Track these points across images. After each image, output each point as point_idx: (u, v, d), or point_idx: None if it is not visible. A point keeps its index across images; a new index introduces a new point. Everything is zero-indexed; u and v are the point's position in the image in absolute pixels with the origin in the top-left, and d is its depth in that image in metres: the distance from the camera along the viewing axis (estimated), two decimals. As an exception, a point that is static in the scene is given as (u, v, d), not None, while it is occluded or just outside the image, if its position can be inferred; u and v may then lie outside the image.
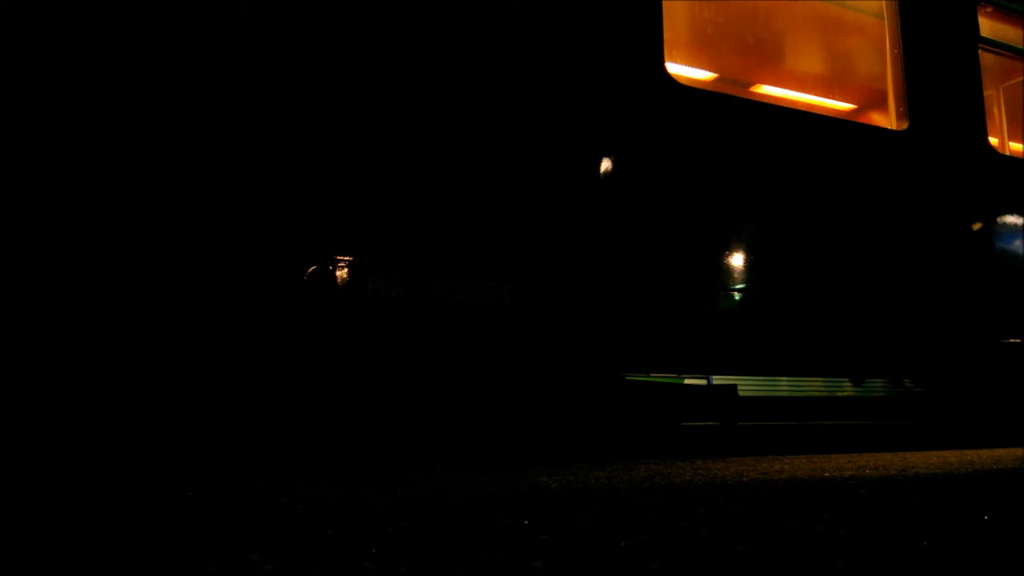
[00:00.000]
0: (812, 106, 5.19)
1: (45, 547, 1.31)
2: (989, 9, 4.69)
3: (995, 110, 5.91)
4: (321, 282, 2.68)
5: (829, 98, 5.23)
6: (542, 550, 1.32)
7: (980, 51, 4.49)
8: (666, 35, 3.52)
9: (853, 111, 5.28)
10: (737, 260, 3.55)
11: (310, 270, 2.68)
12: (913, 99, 4.15)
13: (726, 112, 3.65)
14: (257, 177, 2.68)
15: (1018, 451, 3.93)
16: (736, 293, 3.52)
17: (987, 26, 4.63)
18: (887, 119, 4.26)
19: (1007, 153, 5.66)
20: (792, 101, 5.16)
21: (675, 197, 3.42)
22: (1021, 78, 5.40)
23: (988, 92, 5.32)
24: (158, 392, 2.62)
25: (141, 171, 2.54)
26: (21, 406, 2.44)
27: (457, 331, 2.91)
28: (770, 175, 3.69)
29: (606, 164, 3.26)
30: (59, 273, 2.42)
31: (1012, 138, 5.92)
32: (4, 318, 2.37)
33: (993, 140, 4.81)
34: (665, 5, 3.55)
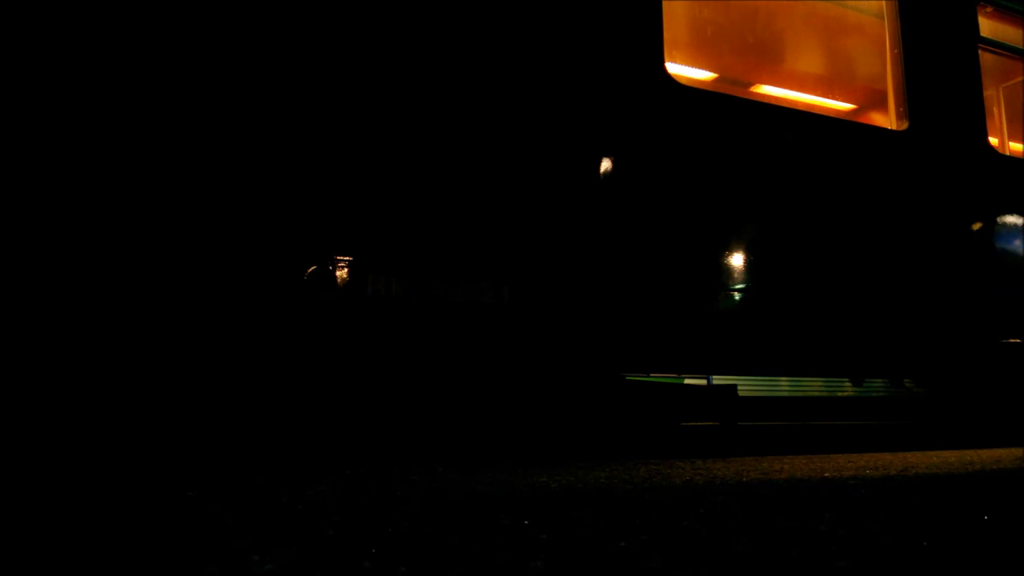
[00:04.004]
0: (812, 106, 5.19)
1: (45, 547, 1.30)
2: (989, 9, 4.69)
3: (995, 110, 5.91)
4: (321, 282, 2.68)
5: (829, 98, 5.23)
6: (542, 550, 1.32)
7: (980, 51, 4.49)
8: (666, 35, 3.52)
9: (853, 111, 5.28)
10: (737, 260, 3.55)
11: (310, 270, 2.68)
12: (913, 99, 4.15)
13: (726, 112, 3.65)
14: (258, 178, 2.68)
15: (1018, 451, 3.93)
16: (736, 293, 3.52)
17: (987, 26, 4.63)
18: (887, 119, 4.26)
19: (1007, 153, 5.66)
20: (792, 101, 5.16)
21: (675, 197, 3.42)
22: (1021, 78, 5.40)
23: (988, 92, 5.32)
24: (159, 392, 2.62)
25: (142, 172, 2.54)
26: (22, 405, 2.43)
27: (457, 331, 2.91)
28: (770, 175, 3.69)
29: (606, 164, 3.26)
30: (60, 273, 2.42)
31: (1012, 138, 5.92)
32: (5, 318, 2.37)
33: (993, 140, 4.81)
34: (665, 5, 3.55)
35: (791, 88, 5.21)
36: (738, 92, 5.09)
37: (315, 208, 2.74)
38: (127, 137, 2.54)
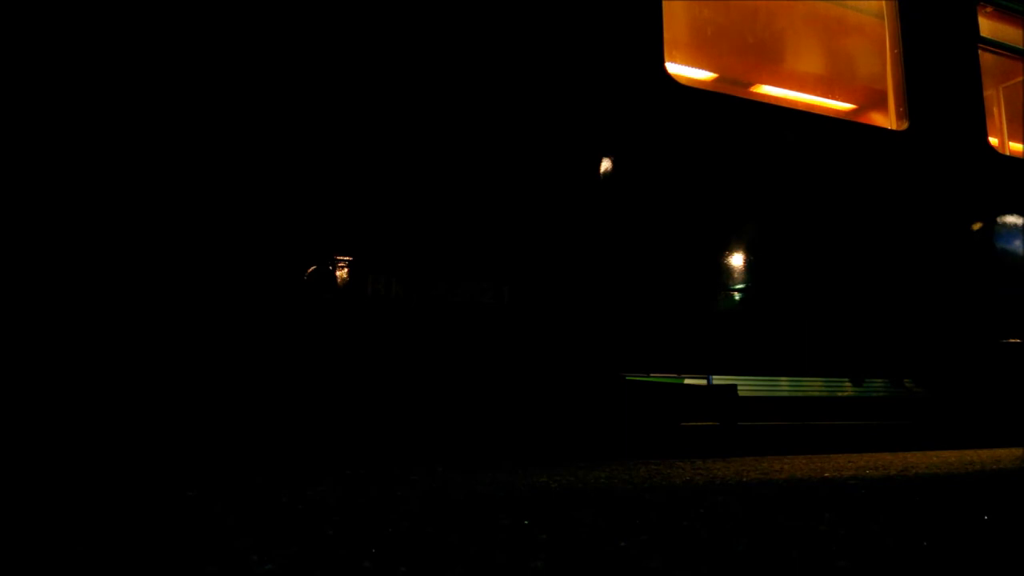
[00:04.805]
0: (812, 106, 5.19)
1: (45, 547, 1.30)
2: (989, 9, 4.69)
3: (995, 110, 5.91)
4: (321, 282, 2.68)
5: (829, 98, 5.23)
6: (542, 550, 1.32)
7: (980, 51, 4.49)
8: (666, 35, 3.52)
9: (853, 111, 5.28)
10: (737, 260, 3.55)
11: (310, 270, 2.68)
12: (913, 99, 4.15)
13: (726, 112, 3.65)
14: (258, 179, 2.68)
15: (1018, 451, 3.93)
16: (736, 293, 3.52)
17: (987, 26, 4.63)
18: (887, 119, 4.26)
19: (1007, 153, 5.66)
20: (792, 101, 5.16)
21: (675, 197, 3.42)
22: (1021, 78, 5.41)
23: (988, 92, 5.32)
24: (159, 392, 2.62)
25: (141, 172, 2.54)
26: (22, 405, 2.43)
27: (457, 331, 2.91)
28: (770, 175, 3.69)
29: (606, 164, 3.26)
30: (60, 273, 2.42)
31: (1012, 138, 5.92)
32: (5, 318, 2.37)
33: (993, 140, 4.81)
34: (665, 5, 3.56)
35: (791, 88, 5.21)
36: (738, 92, 5.09)
37: (315, 208, 2.74)
38: (128, 138, 2.54)
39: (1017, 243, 4.42)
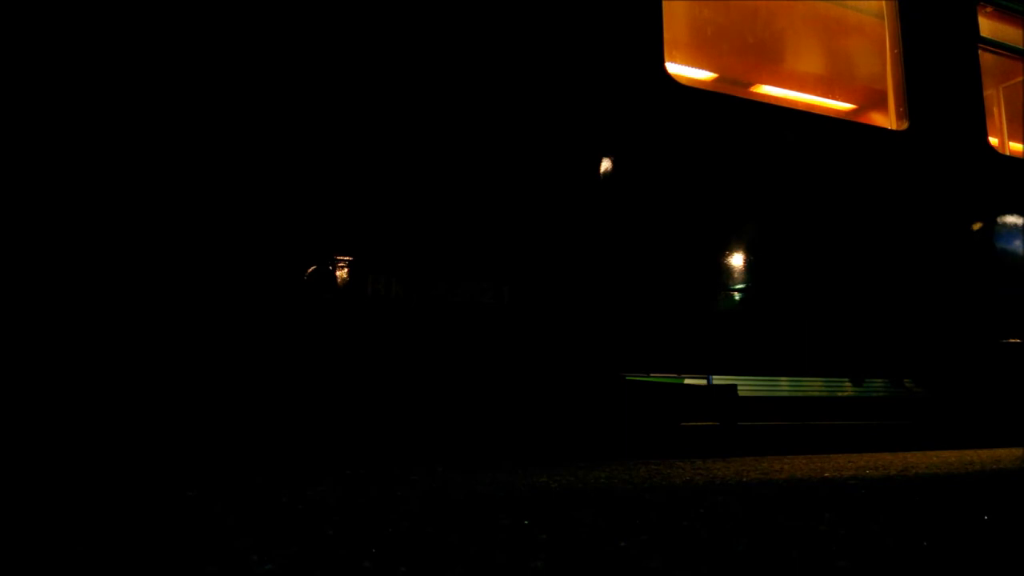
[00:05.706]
0: (812, 106, 5.19)
1: (45, 547, 1.30)
2: (989, 9, 4.70)
3: (995, 110, 5.92)
4: (321, 282, 2.68)
5: (829, 98, 5.23)
6: (542, 550, 1.32)
7: (980, 51, 4.49)
8: (666, 35, 3.52)
9: (853, 111, 5.28)
10: (737, 260, 3.55)
11: (310, 270, 2.68)
12: (913, 99, 4.15)
13: (726, 112, 3.65)
14: (258, 179, 2.68)
15: (1018, 451, 3.93)
16: (736, 293, 3.52)
17: (987, 26, 4.63)
18: (887, 119, 4.26)
19: (1007, 153, 5.66)
20: (792, 101, 5.16)
21: (675, 197, 3.42)
22: (1021, 78, 5.41)
23: (988, 92, 5.32)
24: (159, 392, 2.62)
25: (142, 173, 2.54)
26: (21, 405, 2.43)
27: (457, 331, 2.91)
28: (770, 175, 3.69)
29: (606, 164, 3.26)
30: (59, 273, 2.42)
31: (1012, 138, 5.92)
32: (4, 318, 2.37)
33: (993, 140, 4.81)
34: (665, 5, 3.56)
35: (791, 88, 5.21)
36: (738, 92, 5.09)
37: (315, 208, 2.74)
38: (127, 138, 2.54)
39: (1017, 243, 4.42)
